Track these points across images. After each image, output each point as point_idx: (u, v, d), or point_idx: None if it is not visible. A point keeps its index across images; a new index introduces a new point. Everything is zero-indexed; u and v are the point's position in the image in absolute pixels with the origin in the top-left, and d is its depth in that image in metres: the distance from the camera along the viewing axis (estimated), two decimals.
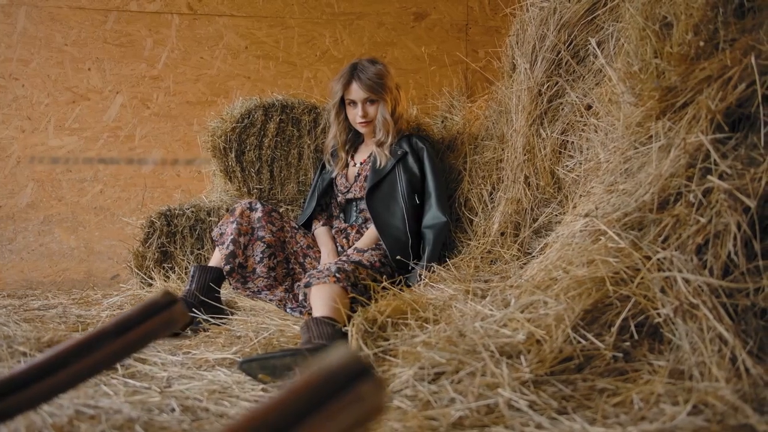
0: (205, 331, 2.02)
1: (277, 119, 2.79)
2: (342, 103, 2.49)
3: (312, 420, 0.44)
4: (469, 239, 2.44)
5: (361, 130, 2.50)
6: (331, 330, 1.65)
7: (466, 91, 3.50)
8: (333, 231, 2.53)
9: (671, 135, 1.64)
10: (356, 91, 2.42)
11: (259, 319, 2.04)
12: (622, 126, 1.79)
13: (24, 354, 1.58)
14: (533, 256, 2.23)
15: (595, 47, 2.04)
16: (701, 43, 1.61)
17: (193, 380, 1.51)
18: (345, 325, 1.73)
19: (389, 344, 1.50)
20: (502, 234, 2.37)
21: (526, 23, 2.46)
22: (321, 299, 1.84)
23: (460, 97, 3.27)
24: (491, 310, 1.58)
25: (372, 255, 2.23)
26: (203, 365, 1.67)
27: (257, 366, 1.44)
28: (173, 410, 1.25)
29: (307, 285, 1.94)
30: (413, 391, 1.25)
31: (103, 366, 0.93)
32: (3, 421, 0.87)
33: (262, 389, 1.43)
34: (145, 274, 2.68)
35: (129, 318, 0.93)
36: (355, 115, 2.45)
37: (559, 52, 2.30)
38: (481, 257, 2.32)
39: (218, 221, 2.72)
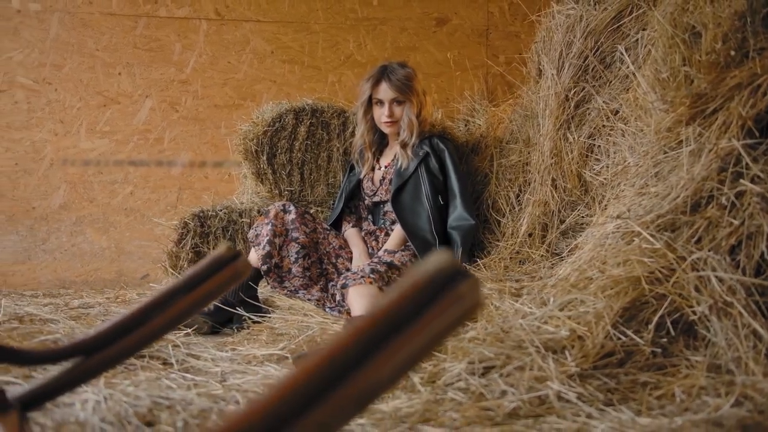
0: (246, 328, 2.10)
1: (308, 123, 2.87)
2: (369, 103, 2.57)
3: (421, 319, 0.50)
4: (498, 240, 2.52)
5: (386, 129, 2.57)
6: None
7: (488, 95, 3.57)
8: (362, 233, 2.60)
9: (702, 140, 1.70)
10: (384, 91, 2.50)
11: (298, 318, 2.11)
12: (653, 131, 1.86)
13: None
14: (561, 257, 2.30)
15: (626, 56, 2.11)
16: (732, 52, 1.67)
17: (246, 375, 1.58)
18: None
19: None
20: (530, 235, 2.44)
21: (552, 30, 2.53)
22: (360, 299, 1.92)
23: (481, 101, 3.34)
24: (530, 308, 1.65)
25: (402, 256, 2.30)
26: (252, 361, 1.74)
27: None
28: (237, 402, 1.33)
29: (344, 286, 2.02)
30: (465, 384, 1.32)
31: (177, 321, 1.00)
32: (92, 377, 0.95)
33: None
34: (180, 273, 2.76)
35: (197, 274, 0.99)
36: (381, 114, 2.53)
37: (586, 58, 2.36)
38: (510, 257, 2.39)
39: (250, 222, 2.80)
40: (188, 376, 1.56)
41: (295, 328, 1.99)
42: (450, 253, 0.52)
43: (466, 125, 3.22)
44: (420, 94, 2.52)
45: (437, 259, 0.52)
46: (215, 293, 0.99)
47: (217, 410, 1.22)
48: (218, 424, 0.44)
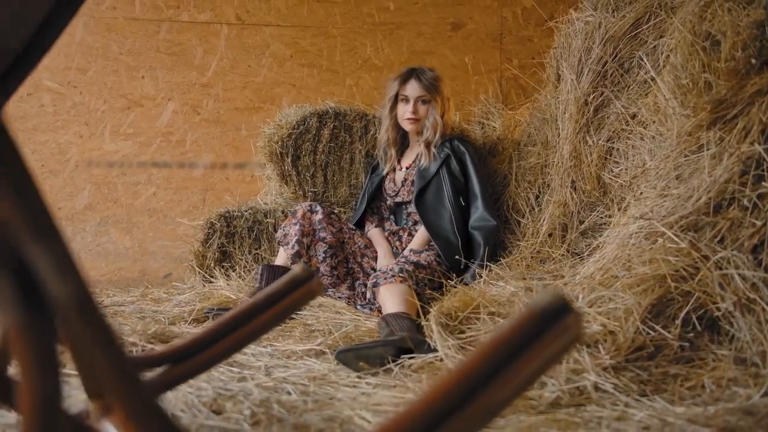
0: (280, 325, 2.17)
1: (331, 126, 2.95)
2: (395, 101, 2.64)
3: (532, 348, 0.58)
4: (518, 240, 2.59)
5: (407, 126, 2.64)
6: (410, 323, 1.80)
7: (502, 98, 3.65)
8: (386, 233, 2.68)
9: (723, 144, 1.78)
10: (412, 88, 2.58)
11: (329, 315, 2.19)
12: (675, 135, 1.93)
13: (134, 344, 1.73)
14: (582, 256, 2.38)
15: (646, 62, 2.19)
16: (752, 60, 1.75)
17: (289, 369, 1.66)
18: (417, 319, 1.89)
19: (472, 334, 1.65)
20: (550, 235, 2.51)
21: (570, 36, 2.61)
22: (392, 297, 1.99)
23: (496, 104, 3.42)
24: None
25: (428, 255, 2.38)
26: (291, 356, 1.81)
27: (353, 356, 1.59)
28: (289, 393, 1.40)
29: (375, 285, 2.10)
30: None
31: (258, 333, 1.08)
32: (188, 378, 1.02)
33: (357, 376, 1.58)
34: (206, 272, 2.83)
35: (276, 292, 1.07)
36: (405, 111, 2.60)
37: (605, 64, 2.44)
38: (531, 257, 2.47)
39: (275, 223, 2.87)
40: (235, 369, 1.64)
41: (328, 324, 2.07)
42: (558, 290, 0.60)
43: (482, 128, 3.30)
44: (445, 98, 2.60)
45: (547, 295, 0.60)
46: (291, 309, 1.07)
47: (276, 399, 1.29)
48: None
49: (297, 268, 1.09)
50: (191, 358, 1.02)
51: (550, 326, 0.58)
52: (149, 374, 1.00)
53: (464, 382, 0.54)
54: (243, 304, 1.07)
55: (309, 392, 1.42)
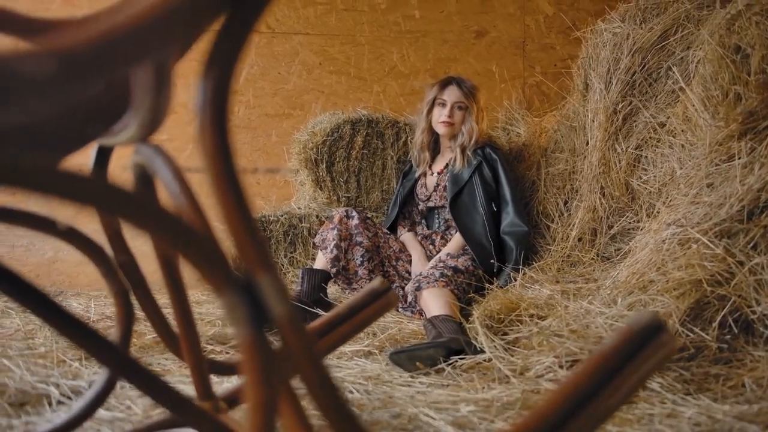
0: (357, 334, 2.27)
1: (364, 133, 3.04)
2: (433, 105, 2.74)
3: (634, 363, 0.67)
4: (548, 244, 2.68)
5: (441, 129, 2.73)
6: (456, 325, 1.89)
7: (525, 104, 3.74)
8: (419, 237, 2.77)
9: (754, 154, 1.87)
10: (451, 92, 2.68)
11: None
12: (707, 145, 2.01)
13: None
14: (611, 261, 2.46)
15: (677, 74, 2.27)
16: None
17: (343, 369, 1.75)
18: (461, 321, 1.98)
19: (517, 336, 1.74)
20: (580, 239, 2.60)
21: (599, 47, 2.69)
22: (436, 300, 2.08)
23: (520, 110, 3.51)
24: (599, 307, 1.81)
25: (465, 260, 2.46)
26: (342, 356, 1.90)
27: (406, 357, 1.67)
28: (351, 392, 1.49)
29: (418, 289, 2.19)
30: (555, 375, 1.48)
31: (338, 343, 1.17)
32: None
33: (410, 376, 1.67)
34: (242, 275, 2.93)
35: (357, 304, 1.16)
36: (440, 114, 2.70)
37: (633, 74, 2.52)
38: (562, 260, 2.56)
39: (309, 227, 2.97)
40: None
41: (372, 326, 2.16)
42: (653, 312, 0.69)
43: (507, 134, 3.38)
44: (480, 108, 2.69)
45: (645, 315, 0.69)
46: (370, 320, 1.16)
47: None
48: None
49: (376, 281, 1.18)
50: None
51: (648, 343, 0.67)
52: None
53: (578, 390, 0.63)
54: (326, 316, 1.15)
55: (369, 391, 1.51)
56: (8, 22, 0.92)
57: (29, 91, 0.39)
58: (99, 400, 1.01)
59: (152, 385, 0.75)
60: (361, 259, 2.52)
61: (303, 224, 2.98)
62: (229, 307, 0.52)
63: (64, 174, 0.43)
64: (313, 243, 2.72)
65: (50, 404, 1.36)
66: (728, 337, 1.60)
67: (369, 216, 2.69)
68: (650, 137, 2.46)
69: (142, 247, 1.18)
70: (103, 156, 0.99)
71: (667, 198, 2.24)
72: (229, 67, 0.52)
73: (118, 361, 0.83)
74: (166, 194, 0.70)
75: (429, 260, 2.62)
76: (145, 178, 0.79)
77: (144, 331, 2.01)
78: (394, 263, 2.63)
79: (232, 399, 1.08)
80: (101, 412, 1.29)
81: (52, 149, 0.73)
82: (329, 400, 0.52)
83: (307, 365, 0.51)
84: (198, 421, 0.86)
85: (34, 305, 0.74)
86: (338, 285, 2.51)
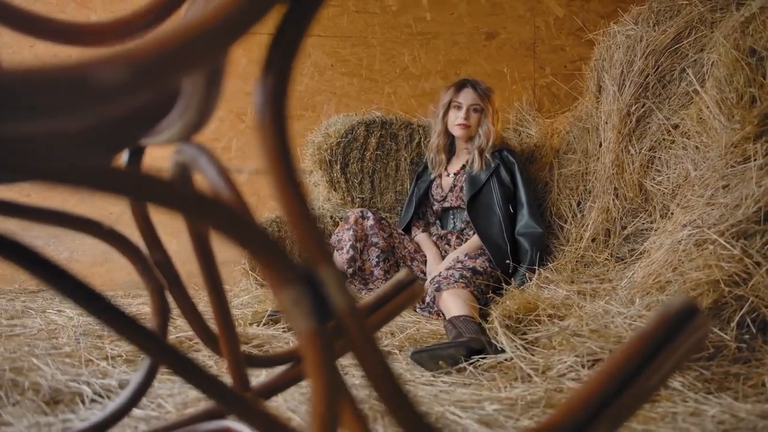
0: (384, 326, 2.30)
1: (378, 134, 3.07)
2: (448, 108, 2.76)
3: (671, 345, 0.69)
4: (562, 245, 2.70)
5: (456, 132, 2.76)
6: (476, 325, 1.92)
7: (536, 106, 3.76)
8: (434, 237, 2.80)
9: None
10: (467, 95, 2.71)
11: None
12: (722, 147, 2.04)
13: None
14: (625, 261, 2.49)
15: (691, 76, 2.29)
16: None
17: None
18: (480, 322, 2.00)
19: (536, 335, 1.76)
20: (593, 240, 2.62)
21: (612, 49, 2.72)
22: (456, 301, 2.11)
23: (531, 111, 3.53)
24: (617, 307, 1.84)
25: (482, 261, 2.49)
26: None
27: (428, 356, 1.70)
28: None
29: (438, 289, 2.21)
30: (577, 374, 1.51)
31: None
32: (297, 382, 1.14)
33: (432, 375, 1.69)
34: (258, 275, 2.96)
35: (383, 296, 1.16)
36: (456, 117, 2.72)
37: (647, 76, 2.54)
38: (576, 261, 2.58)
39: (323, 228, 2.99)
40: None
41: (390, 326, 2.18)
42: (688, 297, 0.71)
43: (519, 135, 3.41)
44: (495, 110, 2.72)
45: (680, 299, 0.72)
46: (397, 311, 1.18)
47: (372, 396, 1.41)
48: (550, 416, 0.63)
49: (402, 273, 1.20)
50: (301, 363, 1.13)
51: (684, 326, 0.70)
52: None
53: (620, 371, 0.65)
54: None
55: None
56: (45, 27, 0.95)
57: (103, 97, 0.41)
58: (141, 391, 1.03)
59: (196, 374, 0.78)
60: (376, 259, 2.54)
61: (317, 225, 3.00)
62: (292, 300, 0.54)
63: (146, 177, 0.45)
64: (329, 243, 2.74)
65: (83, 402, 1.39)
66: (747, 336, 1.63)
67: (384, 216, 2.72)
68: (664, 139, 2.48)
69: (174, 247, 1.21)
70: (137, 155, 1.01)
71: (682, 199, 2.26)
72: (286, 66, 0.54)
73: (161, 350, 0.86)
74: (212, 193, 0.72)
75: (443, 260, 2.64)
76: (185, 177, 0.81)
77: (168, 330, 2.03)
78: (410, 263, 2.66)
79: (266, 392, 1.10)
80: (134, 411, 1.31)
81: (108, 149, 0.76)
82: (391, 390, 0.54)
83: (369, 356, 0.53)
84: (241, 410, 0.88)
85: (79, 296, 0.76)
86: (354, 285, 2.53)
